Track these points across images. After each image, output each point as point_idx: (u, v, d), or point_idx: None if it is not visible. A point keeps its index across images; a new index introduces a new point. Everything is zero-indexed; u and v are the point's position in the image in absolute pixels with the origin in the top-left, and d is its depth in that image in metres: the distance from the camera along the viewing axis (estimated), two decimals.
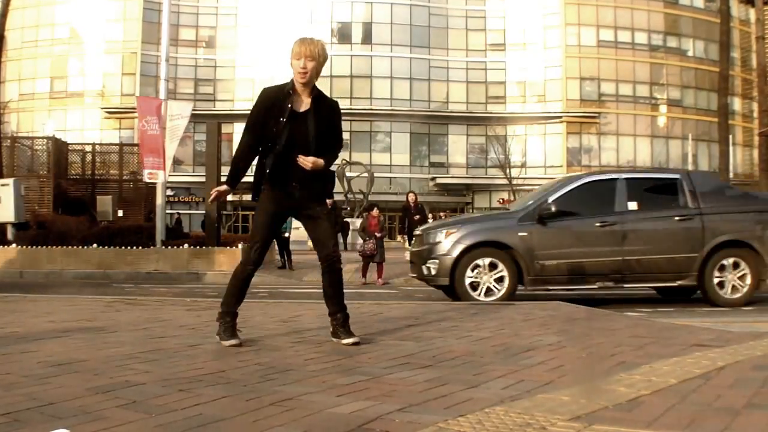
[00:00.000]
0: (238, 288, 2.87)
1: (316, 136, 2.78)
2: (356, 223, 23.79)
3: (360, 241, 9.58)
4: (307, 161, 2.73)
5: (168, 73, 11.61)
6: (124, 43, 37.05)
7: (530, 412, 1.66)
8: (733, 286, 5.68)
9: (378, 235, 8.98)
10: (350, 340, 2.78)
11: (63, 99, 37.53)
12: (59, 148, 14.17)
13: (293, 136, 2.75)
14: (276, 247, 11.71)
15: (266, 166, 2.79)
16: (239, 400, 1.81)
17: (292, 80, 2.83)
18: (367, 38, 37.65)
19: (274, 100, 2.81)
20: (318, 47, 2.76)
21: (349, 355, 2.55)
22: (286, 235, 11.41)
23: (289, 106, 2.77)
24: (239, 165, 2.87)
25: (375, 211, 9.44)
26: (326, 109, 2.86)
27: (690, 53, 38.43)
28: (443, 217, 19.95)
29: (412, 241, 7.46)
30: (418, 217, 10.27)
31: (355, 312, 4.06)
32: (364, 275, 9.12)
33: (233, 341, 2.78)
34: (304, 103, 2.81)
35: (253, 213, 3.00)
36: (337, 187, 29.63)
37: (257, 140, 2.82)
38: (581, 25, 37.35)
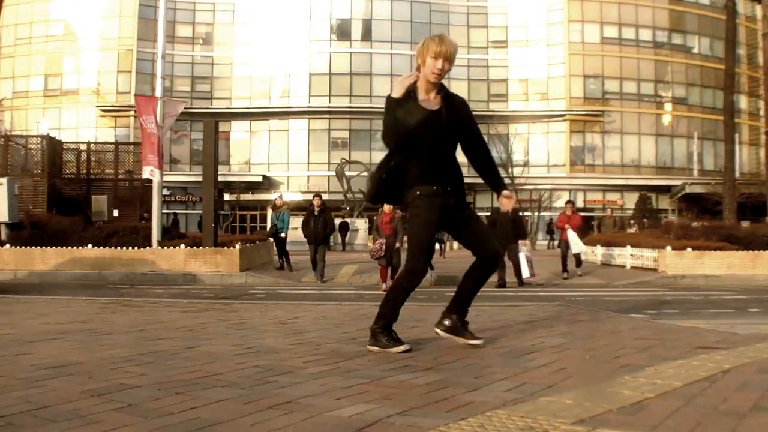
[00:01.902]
0: (402, 300, 2.73)
1: (450, 134, 2.71)
2: (356, 223, 23.78)
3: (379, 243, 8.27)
4: (510, 200, 2.78)
5: (164, 70, 11.57)
6: (120, 40, 36.84)
7: (533, 416, 1.64)
8: None
9: (383, 237, 7.87)
10: (477, 341, 2.74)
11: (57, 97, 37.30)
12: (54, 147, 14.07)
13: (435, 136, 2.67)
14: (275, 248, 11.68)
15: (418, 172, 2.65)
16: (237, 403, 1.79)
17: (414, 84, 2.66)
18: (366, 35, 37.48)
19: (403, 103, 2.67)
20: (455, 49, 2.65)
21: (349, 358, 2.53)
22: (283, 235, 11.36)
23: (422, 106, 2.67)
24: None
25: (388, 207, 7.85)
26: (457, 105, 2.74)
27: (695, 50, 38.00)
28: None
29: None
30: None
31: (354, 314, 4.05)
32: (384, 281, 8.09)
33: (404, 347, 2.61)
34: (434, 102, 2.71)
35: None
36: (336, 186, 29.69)
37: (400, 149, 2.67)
38: (585, 21, 37.06)
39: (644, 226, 20.65)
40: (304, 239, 10.16)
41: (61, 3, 37.05)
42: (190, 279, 9.89)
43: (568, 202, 11.52)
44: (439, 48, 2.60)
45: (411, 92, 2.66)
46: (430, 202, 2.66)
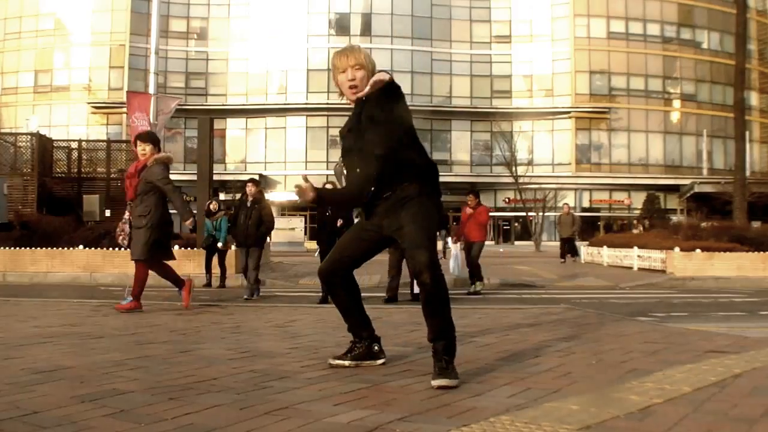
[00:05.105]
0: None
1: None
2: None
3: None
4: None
5: (158, 66, 11.46)
6: (112, 35, 36.51)
7: (537, 422, 1.62)
8: None
9: None
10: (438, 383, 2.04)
11: (48, 93, 36.95)
12: (44, 145, 13.93)
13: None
14: (204, 260, 9.37)
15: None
16: (232, 409, 1.77)
17: None
18: (366, 30, 37.21)
19: None
20: (363, 53, 2.39)
21: None
22: (221, 245, 9.26)
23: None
24: None
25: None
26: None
27: (705, 45, 37.46)
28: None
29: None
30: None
31: None
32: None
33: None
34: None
35: None
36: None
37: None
38: (591, 16, 36.59)
39: (645, 226, 20.46)
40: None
41: None
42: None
43: (470, 192, 9.18)
44: (339, 61, 2.35)
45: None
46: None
